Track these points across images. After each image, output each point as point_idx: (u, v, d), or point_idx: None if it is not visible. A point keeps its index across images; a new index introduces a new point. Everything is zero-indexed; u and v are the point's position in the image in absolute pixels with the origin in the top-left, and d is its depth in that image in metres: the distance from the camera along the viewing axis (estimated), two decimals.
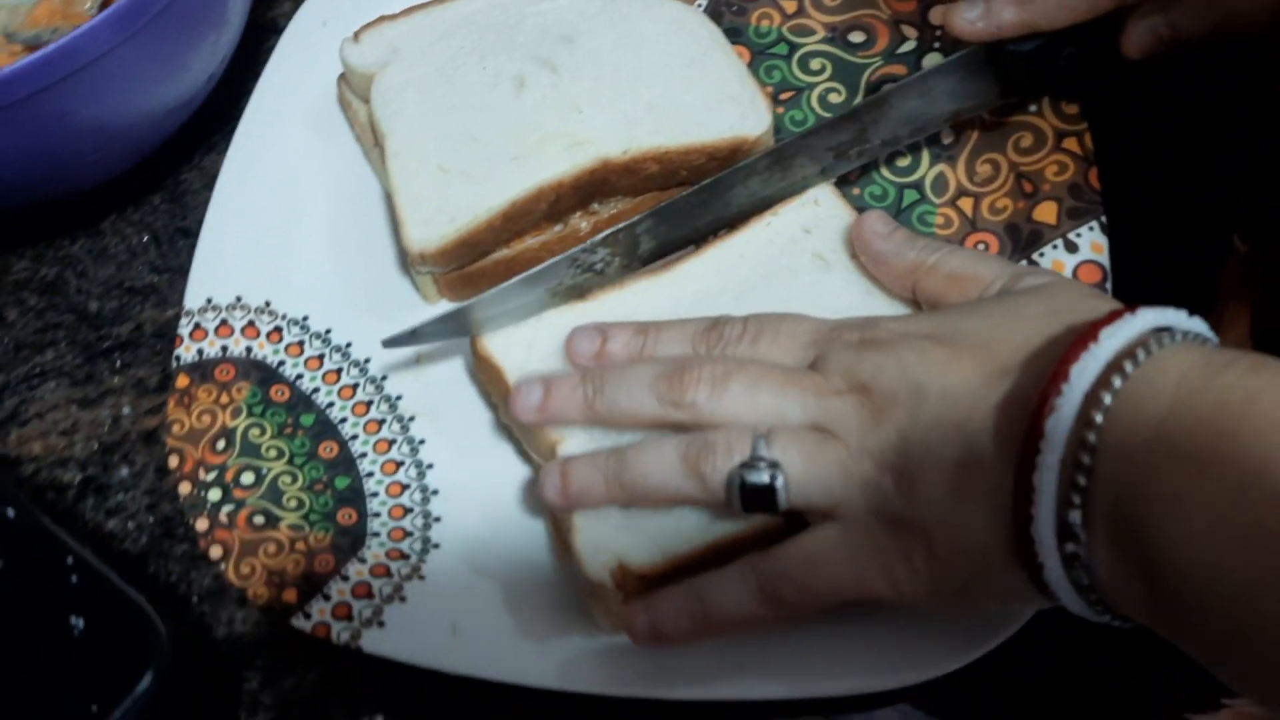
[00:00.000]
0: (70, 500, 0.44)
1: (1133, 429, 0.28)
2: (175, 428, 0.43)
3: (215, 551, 0.41)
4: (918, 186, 0.49)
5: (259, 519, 0.42)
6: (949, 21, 0.45)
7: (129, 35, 0.39)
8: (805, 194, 0.46)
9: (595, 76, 0.47)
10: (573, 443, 0.40)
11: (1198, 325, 0.31)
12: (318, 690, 0.41)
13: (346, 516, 0.42)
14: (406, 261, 0.46)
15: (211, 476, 0.42)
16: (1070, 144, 0.47)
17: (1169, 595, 0.28)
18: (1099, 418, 0.29)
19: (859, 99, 0.51)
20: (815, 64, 0.52)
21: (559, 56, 0.48)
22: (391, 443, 0.44)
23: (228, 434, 0.43)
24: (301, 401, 0.45)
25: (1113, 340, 0.30)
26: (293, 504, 0.42)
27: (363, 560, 0.41)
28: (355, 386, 0.45)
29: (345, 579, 0.40)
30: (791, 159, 0.45)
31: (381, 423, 0.45)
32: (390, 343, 0.43)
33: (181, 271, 0.47)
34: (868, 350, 0.36)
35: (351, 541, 0.41)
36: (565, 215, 0.47)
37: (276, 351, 0.46)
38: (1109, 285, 0.44)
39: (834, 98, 0.51)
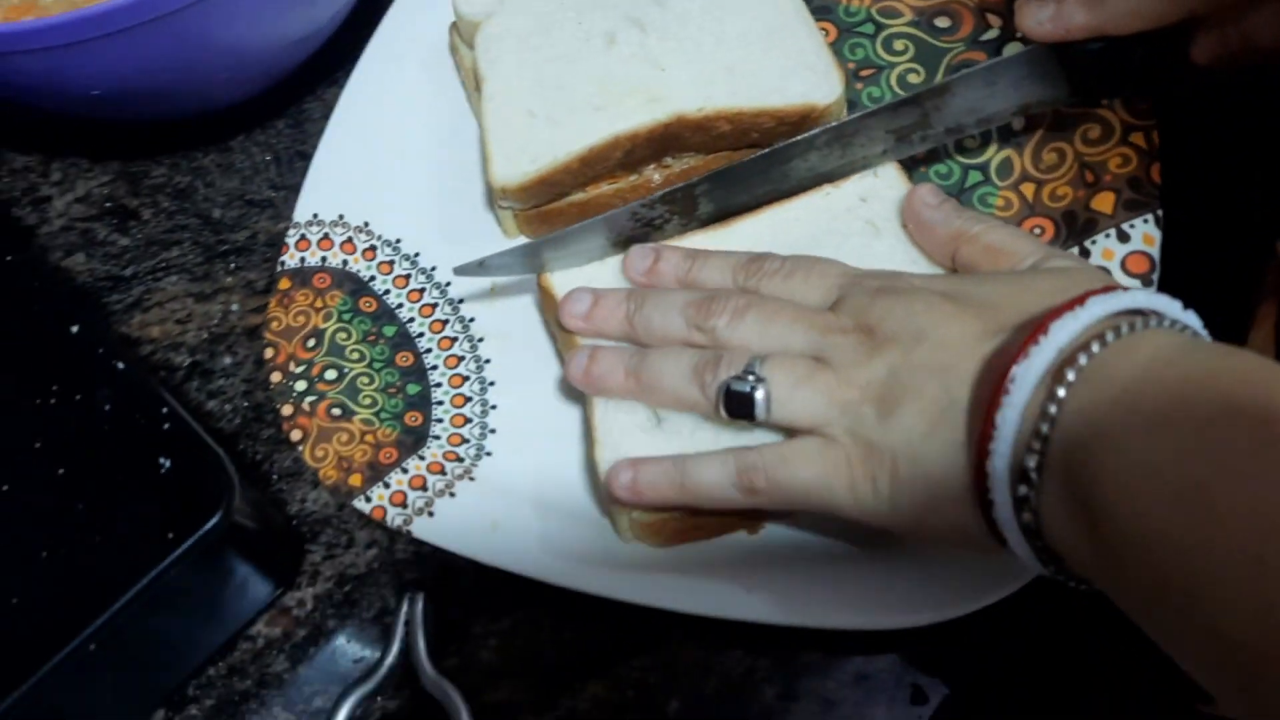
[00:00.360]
0: (178, 380, 0.50)
1: (1099, 390, 0.30)
2: (274, 324, 0.48)
3: (295, 435, 0.45)
4: (983, 169, 0.50)
5: (336, 411, 0.46)
6: (1018, 19, 0.45)
7: None
8: None
9: (680, 38, 0.50)
10: None
11: (1190, 318, 0.33)
12: (370, 569, 0.46)
13: (413, 418, 0.46)
14: (492, 197, 0.51)
15: (300, 369, 0.47)
16: (1137, 138, 0.47)
17: (1105, 545, 0.29)
18: (1071, 375, 0.31)
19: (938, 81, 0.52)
20: (899, 45, 0.54)
21: (649, 17, 0.51)
22: (461, 359, 0.48)
23: (318, 334, 0.48)
24: (386, 314, 0.49)
25: (1099, 308, 0.32)
26: (367, 402, 0.47)
27: (422, 458, 0.45)
28: (435, 306, 0.50)
29: (405, 471, 0.44)
30: (851, 137, 0.47)
31: (454, 340, 0.49)
32: (460, 270, 0.47)
33: (296, 190, 0.52)
34: (883, 296, 0.38)
35: (414, 440, 0.46)
36: (639, 166, 0.50)
37: (369, 267, 0.50)
38: (1156, 276, 0.45)
39: (913, 78, 0.53)
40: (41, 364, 0.39)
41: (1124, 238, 0.46)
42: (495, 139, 0.48)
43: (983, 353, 0.35)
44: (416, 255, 0.51)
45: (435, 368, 0.48)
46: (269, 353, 0.47)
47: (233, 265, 0.53)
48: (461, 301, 0.50)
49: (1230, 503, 0.26)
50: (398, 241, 0.51)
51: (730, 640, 0.43)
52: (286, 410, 0.46)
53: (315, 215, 0.51)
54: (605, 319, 0.43)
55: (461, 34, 0.53)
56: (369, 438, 0.45)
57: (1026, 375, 0.31)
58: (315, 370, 0.47)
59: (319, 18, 0.51)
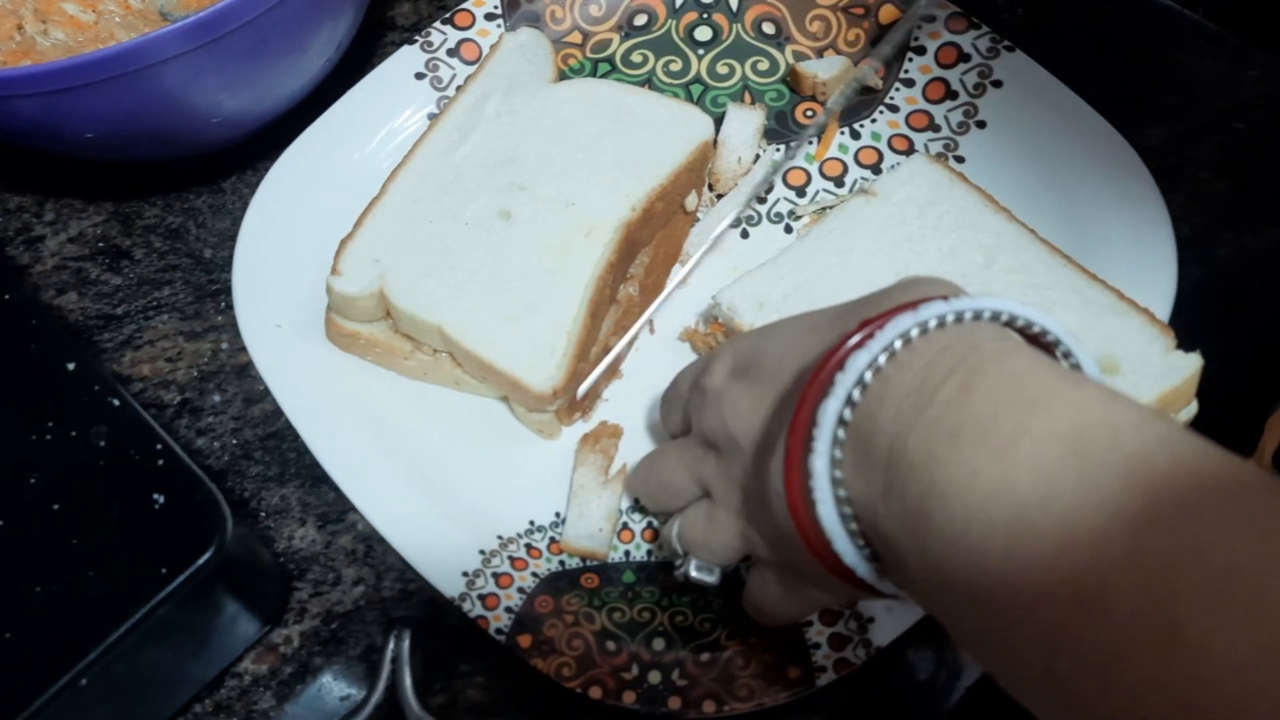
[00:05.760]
0: (168, 418, 0.50)
1: (870, 461, 0.30)
2: (565, 670, 0.42)
3: (709, 707, 0.41)
4: (784, 82, 0.57)
5: (705, 656, 0.42)
6: None
7: (253, 18, 0.45)
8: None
9: (559, 172, 0.50)
10: None
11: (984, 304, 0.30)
12: (357, 606, 0.46)
13: None
14: (521, 414, 0.48)
15: (635, 672, 0.42)
16: None
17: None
18: (838, 452, 0.30)
19: (695, 62, 0.57)
20: (636, 57, 0.58)
21: (517, 176, 0.50)
22: None
23: (605, 635, 0.43)
24: (612, 568, 0.46)
25: (855, 364, 0.30)
26: (707, 626, 0.43)
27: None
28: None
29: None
30: None
31: None
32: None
33: None
34: (703, 406, 0.38)
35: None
36: (616, 291, 0.50)
37: (550, 560, 0.46)
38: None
39: (674, 66, 0.58)
40: (38, 400, 0.40)
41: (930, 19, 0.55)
42: (506, 361, 0.46)
43: (779, 433, 0.33)
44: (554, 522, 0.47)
45: None
46: (596, 692, 0.41)
47: (223, 304, 0.54)
48: None
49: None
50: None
51: None
52: (675, 703, 0.41)
53: (487, 553, 0.45)
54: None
55: (354, 315, 0.48)
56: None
57: (821, 433, 0.30)
58: (644, 656, 0.42)
59: (310, 66, 0.52)
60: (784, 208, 0.54)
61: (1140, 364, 0.43)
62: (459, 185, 0.50)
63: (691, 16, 0.58)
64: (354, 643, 0.45)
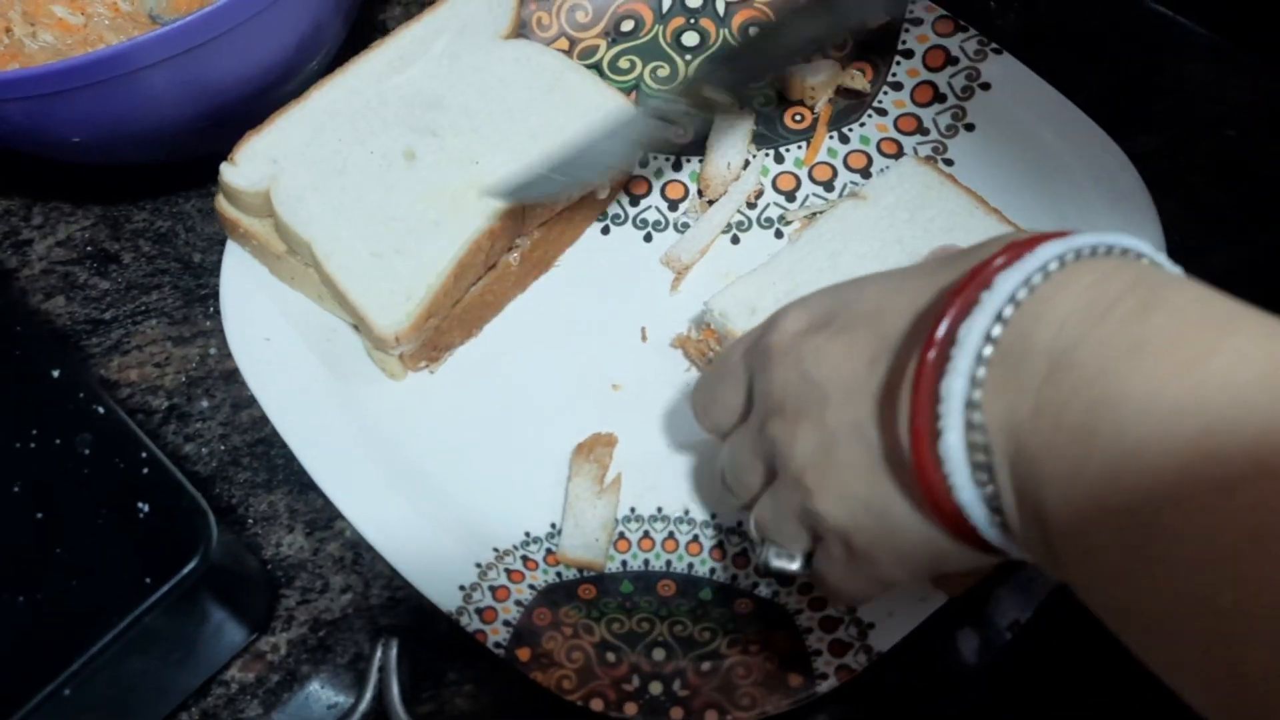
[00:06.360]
0: (156, 424, 0.50)
1: (1018, 381, 0.28)
2: (565, 683, 0.41)
3: (711, 716, 0.40)
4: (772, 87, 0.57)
5: (706, 665, 0.42)
6: None
7: (242, 22, 0.45)
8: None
9: (475, 129, 0.50)
10: None
11: (1127, 241, 0.30)
12: (345, 614, 0.46)
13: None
14: (369, 350, 0.49)
15: (636, 683, 0.41)
16: None
17: (1056, 549, 0.28)
18: (982, 371, 0.29)
19: (683, 67, 0.57)
20: (623, 63, 0.57)
21: (434, 122, 0.50)
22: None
23: (604, 647, 0.42)
24: (609, 579, 0.45)
25: (1005, 283, 0.29)
26: (706, 635, 0.43)
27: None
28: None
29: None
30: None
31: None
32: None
33: None
34: (771, 364, 0.36)
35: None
36: (495, 257, 0.50)
37: (546, 572, 0.45)
38: None
39: (661, 72, 0.58)
40: (22, 407, 0.39)
41: (918, 22, 0.55)
42: (359, 294, 0.46)
43: (876, 383, 0.32)
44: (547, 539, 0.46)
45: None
46: (598, 704, 0.41)
47: (212, 309, 0.53)
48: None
49: None
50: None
51: None
52: (678, 713, 0.40)
53: (478, 564, 0.44)
54: None
55: (243, 206, 0.49)
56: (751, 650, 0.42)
57: (953, 384, 0.29)
58: (645, 666, 0.42)
59: (298, 69, 0.52)
60: (774, 213, 0.54)
61: None
62: (378, 113, 0.51)
63: (679, 22, 0.58)
64: (341, 651, 0.45)
